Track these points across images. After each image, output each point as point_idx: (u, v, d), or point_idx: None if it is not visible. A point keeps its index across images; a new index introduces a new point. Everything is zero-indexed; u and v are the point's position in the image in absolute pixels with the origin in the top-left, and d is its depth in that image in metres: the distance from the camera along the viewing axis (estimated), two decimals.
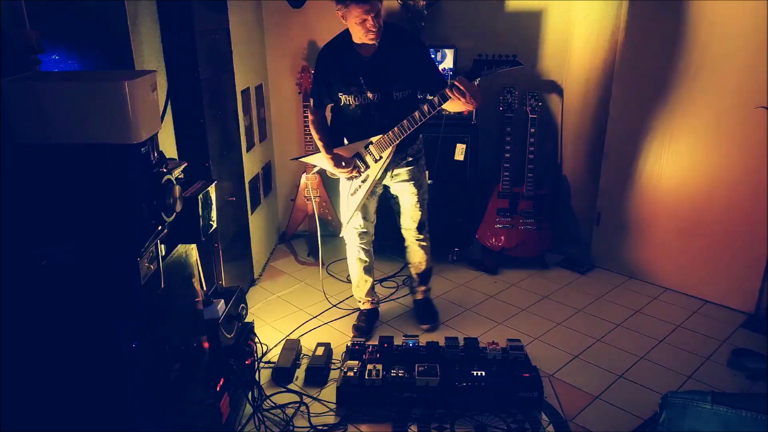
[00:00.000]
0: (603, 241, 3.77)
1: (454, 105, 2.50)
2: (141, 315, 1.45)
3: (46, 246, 1.36)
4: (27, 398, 1.42)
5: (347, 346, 2.75)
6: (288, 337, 2.97)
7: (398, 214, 3.01)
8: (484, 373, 2.45)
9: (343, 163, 2.73)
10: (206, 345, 2.05)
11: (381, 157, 2.69)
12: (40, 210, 1.40)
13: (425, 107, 2.53)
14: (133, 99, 1.35)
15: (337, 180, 2.68)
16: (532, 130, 3.62)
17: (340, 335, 3.03)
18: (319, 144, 2.77)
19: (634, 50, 3.34)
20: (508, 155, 3.60)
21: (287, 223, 4.05)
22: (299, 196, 3.85)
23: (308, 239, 3.95)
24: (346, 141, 2.80)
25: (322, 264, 3.82)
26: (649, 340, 2.98)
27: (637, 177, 3.52)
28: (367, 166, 2.74)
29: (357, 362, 2.55)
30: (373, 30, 2.47)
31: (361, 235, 2.95)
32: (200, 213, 1.75)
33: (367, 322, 3.06)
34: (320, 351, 2.77)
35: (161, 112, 1.63)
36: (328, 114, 2.85)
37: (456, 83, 2.41)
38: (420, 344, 2.69)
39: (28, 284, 1.35)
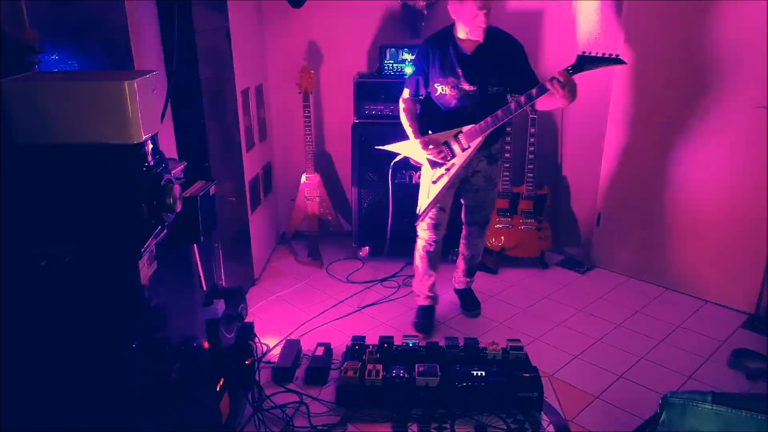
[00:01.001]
0: (603, 241, 3.77)
1: (548, 101, 2.59)
2: (141, 315, 1.45)
3: (46, 246, 1.36)
4: (27, 398, 1.42)
5: (347, 346, 2.75)
6: (288, 337, 2.97)
7: (466, 207, 3.08)
8: (484, 373, 2.45)
9: (431, 146, 2.78)
10: (206, 345, 2.05)
11: (469, 147, 2.76)
12: (40, 210, 1.40)
13: (522, 98, 2.60)
14: (133, 99, 1.35)
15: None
16: (532, 130, 3.62)
17: (340, 335, 3.03)
18: (410, 130, 2.86)
19: (634, 50, 3.34)
20: (508, 155, 3.60)
21: (287, 223, 4.05)
22: (299, 196, 3.85)
23: (308, 239, 3.95)
24: (430, 132, 2.86)
25: (322, 265, 3.83)
26: (649, 340, 2.98)
27: (637, 177, 3.52)
28: (454, 155, 2.79)
29: (357, 362, 2.55)
30: (483, 26, 2.61)
31: (436, 227, 2.97)
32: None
33: (426, 318, 3.08)
34: (320, 351, 2.77)
35: (161, 112, 1.62)
36: None
37: (557, 76, 2.49)
38: (420, 344, 2.69)
39: (28, 284, 1.35)
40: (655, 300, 3.40)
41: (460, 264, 3.27)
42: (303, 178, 3.79)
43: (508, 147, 3.58)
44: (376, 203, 3.74)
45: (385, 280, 3.63)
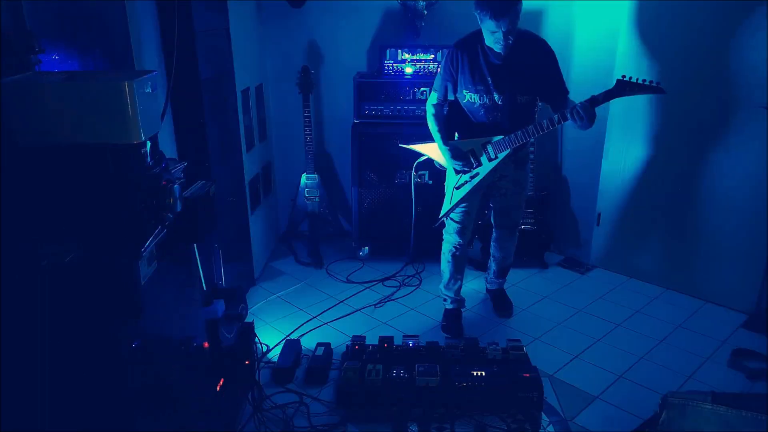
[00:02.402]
0: (603, 241, 3.77)
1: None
2: (141, 315, 1.45)
3: (46, 246, 1.36)
4: (27, 398, 1.42)
5: (347, 346, 2.75)
6: (288, 337, 2.97)
7: (494, 211, 3.08)
8: (484, 373, 2.45)
9: (458, 157, 2.77)
10: (206, 345, 2.05)
11: (497, 157, 2.74)
12: (40, 210, 1.40)
13: (546, 121, 2.59)
14: (133, 99, 1.35)
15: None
16: None
17: (340, 335, 3.03)
18: (437, 135, 2.84)
19: (634, 50, 3.34)
20: None
21: (287, 223, 4.05)
22: (299, 196, 3.85)
23: (308, 239, 3.95)
24: (456, 135, 2.85)
25: (322, 265, 3.83)
26: (649, 340, 2.98)
27: (636, 177, 3.52)
28: (479, 164, 2.78)
29: (357, 362, 2.55)
30: (502, 43, 2.55)
31: (462, 231, 2.95)
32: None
33: (455, 322, 3.08)
34: (320, 351, 2.77)
35: (161, 112, 1.63)
36: None
37: (578, 109, 2.48)
38: (420, 344, 2.69)
39: (28, 284, 1.35)
40: (655, 300, 3.40)
41: (491, 265, 3.27)
42: (303, 178, 3.79)
43: None
44: (376, 203, 3.75)
45: (385, 280, 3.63)
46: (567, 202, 3.90)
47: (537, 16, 3.70)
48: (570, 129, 3.80)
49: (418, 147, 3.02)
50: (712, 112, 3.14)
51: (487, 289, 3.39)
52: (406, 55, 3.61)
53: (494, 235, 3.17)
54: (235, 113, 3.16)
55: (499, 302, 3.28)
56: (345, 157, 3.88)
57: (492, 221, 3.13)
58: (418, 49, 3.57)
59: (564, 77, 2.77)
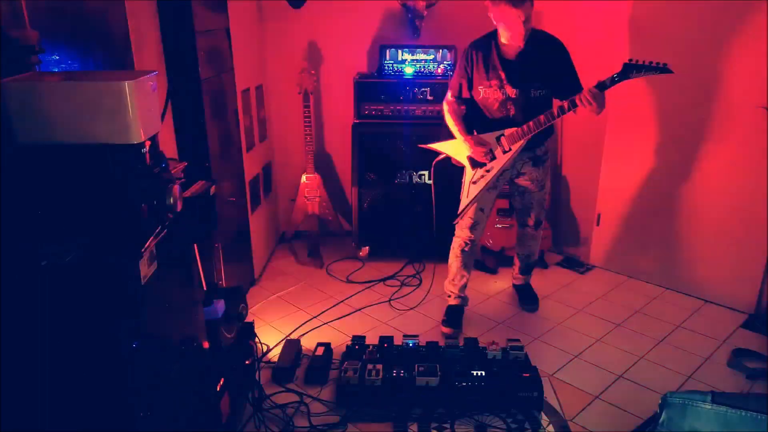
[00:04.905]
0: (603, 241, 3.77)
1: (582, 109, 2.60)
2: (141, 315, 1.45)
3: (46, 246, 1.36)
4: (27, 398, 1.42)
5: (347, 346, 2.75)
6: (288, 337, 2.97)
7: (516, 210, 3.15)
8: (484, 373, 2.45)
9: (480, 146, 2.83)
10: (206, 345, 2.05)
11: (510, 149, 2.79)
12: (40, 210, 1.40)
13: (557, 109, 2.64)
14: (133, 99, 1.35)
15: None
16: None
17: (340, 335, 3.03)
18: (456, 129, 2.90)
19: (634, 50, 3.34)
20: None
21: (287, 223, 4.05)
22: (299, 196, 3.85)
23: (308, 239, 3.95)
24: (475, 132, 2.89)
25: (322, 265, 3.83)
26: (649, 340, 2.98)
27: (636, 177, 3.52)
28: (494, 157, 2.83)
29: (357, 362, 2.55)
30: (521, 33, 2.63)
31: (473, 227, 2.98)
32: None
33: (456, 316, 3.10)
34: (320, 351, 2.77)
35: (161, 112, 1.63)
36: None
37: (585, 94, 2.53)
38: (420, 344, 2.69)
39: (28, 284, 1.35)
40: (655, 300, 3.40)
41: (516, 262, 3.33)
42: (303, 178, 3.79)
43: None
44: (376, 203, 3.75)
45: (385, 279, 3.63)
46: (567, 201, 3.90)
47: (537, 16, 3.68)
48: (570, 129, 3.80)
49: (436, 145, 3.05)
50: (713, 111, 3.14)
51: (513, 284, 3.44)
52: (406, 55, 3.61)
53: (518, 233, 3.22)
54: (235, 113, 3.16)
55: (525, 295, 3.34)
56: (345, 157, 3.88)
57: (516, 220, 3.20)
58: (418, 49, 3.58)
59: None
